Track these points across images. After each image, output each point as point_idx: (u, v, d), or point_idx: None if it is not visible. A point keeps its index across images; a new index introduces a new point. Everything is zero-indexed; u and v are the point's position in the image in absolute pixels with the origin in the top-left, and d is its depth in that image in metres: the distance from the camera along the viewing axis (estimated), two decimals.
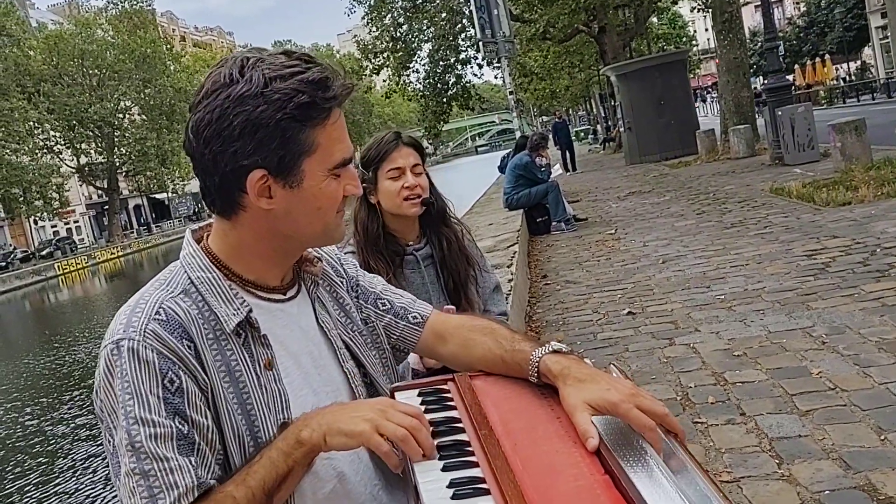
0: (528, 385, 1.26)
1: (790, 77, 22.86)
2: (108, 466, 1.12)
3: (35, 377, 15.62)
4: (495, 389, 1.27)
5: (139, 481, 1.04)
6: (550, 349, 1.24)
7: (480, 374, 1.33)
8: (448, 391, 1.29)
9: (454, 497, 1.01)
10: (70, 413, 11.96)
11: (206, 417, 1.12)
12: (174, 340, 1.11)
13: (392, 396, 1.28)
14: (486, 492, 1.01)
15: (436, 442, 1.13)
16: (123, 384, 1.08)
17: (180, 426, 1.08)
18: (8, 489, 9.01)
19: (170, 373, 1.09)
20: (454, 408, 1.23)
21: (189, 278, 1.21)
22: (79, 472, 9.00)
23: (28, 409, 12.88)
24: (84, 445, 9.99)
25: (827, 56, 43.51)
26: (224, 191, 1.18)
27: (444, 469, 1.07)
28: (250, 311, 1.20)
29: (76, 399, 12.73)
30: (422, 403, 1.25)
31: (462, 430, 1.16)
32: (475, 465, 1.07)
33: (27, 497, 8.64)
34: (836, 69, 45.18)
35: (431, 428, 1.14)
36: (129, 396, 1.07)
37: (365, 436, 1.09)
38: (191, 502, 1.05)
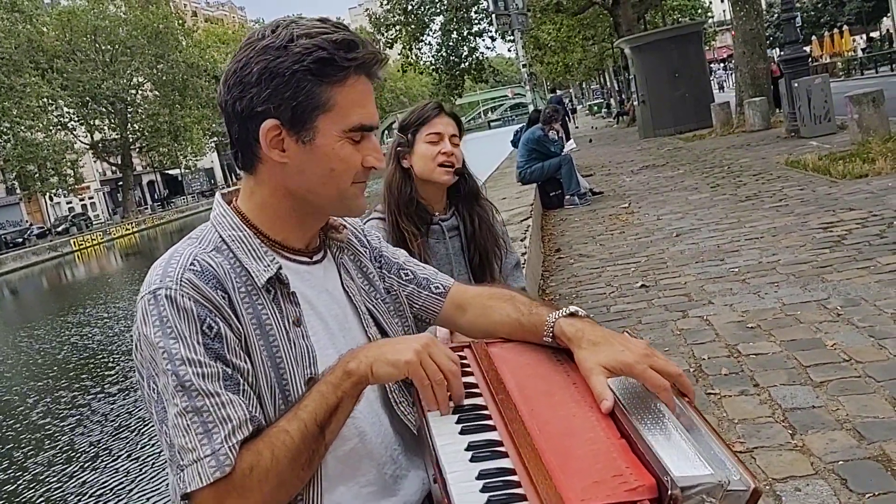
0: (545, 351, 1.28)
1: (807, 48, 22.54)
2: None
3: (53, 355, 15.77)
4: (511, 356, 1.28)
5: (192, 418, 1.05)
6: (566, 312, 1.26)
7: (497, 342, 1.34)
8: (465, 358, 1.30)
9: (473, 459, 1.02)
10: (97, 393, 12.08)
11: (246, 362, 1.14)
12: (209, 289, 1.13)
13: None
14: (504, 454, 1.02)
15: (452, 405, 1.15)
16: (165, 329, 1.09)
17: (224, 368, 1.10)
18: (25, 467, 9.12)
19: (208, 319, 1.11)
20: (471, 374, 1.25)
21: (220, 236, 1.23)
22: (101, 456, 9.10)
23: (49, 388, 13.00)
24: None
25: (845, 27, 42.85)
26: (243, 140, 1.21)
27: (462, 432, 1.09)
28: (280, 267, 1.22)
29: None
30: None
31: (479, 395, 1.17)
32: (492, 428, 1.08)
33: (41, 476, 8.69)
34: (854, 40, 44.48)
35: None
36: (172, 340, 1.08)
37: (412, 365, 1.12)
38: (245, 436, 1.07)
